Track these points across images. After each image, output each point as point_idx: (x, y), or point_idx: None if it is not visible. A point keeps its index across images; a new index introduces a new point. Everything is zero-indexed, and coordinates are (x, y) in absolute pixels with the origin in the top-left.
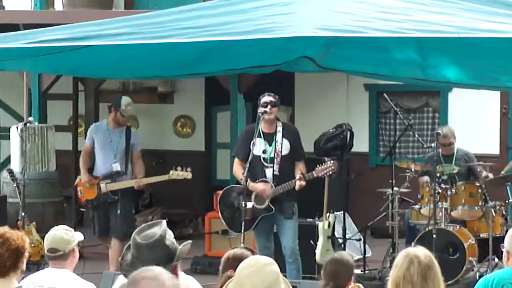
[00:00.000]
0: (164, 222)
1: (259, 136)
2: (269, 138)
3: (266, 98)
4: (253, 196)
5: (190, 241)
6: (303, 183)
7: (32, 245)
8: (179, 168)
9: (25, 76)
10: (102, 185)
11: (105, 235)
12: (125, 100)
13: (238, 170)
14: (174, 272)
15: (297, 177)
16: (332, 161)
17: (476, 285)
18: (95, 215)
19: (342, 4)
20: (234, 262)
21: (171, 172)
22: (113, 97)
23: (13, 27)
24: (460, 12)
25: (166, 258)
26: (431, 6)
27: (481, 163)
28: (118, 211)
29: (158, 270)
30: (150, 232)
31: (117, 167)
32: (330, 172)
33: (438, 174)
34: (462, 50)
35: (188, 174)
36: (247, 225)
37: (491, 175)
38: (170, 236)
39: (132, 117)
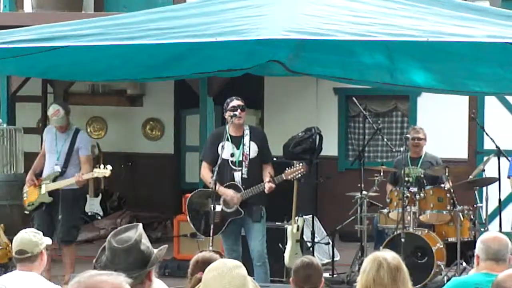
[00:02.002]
0: (140, 225)
1: (227, 139)
2: (237, 141)
3: (235, 102)
4: (221, 200)
5: (165, 245)
6: (273, 185)
7: (0, 248)
8: (101, 166)
9: None
10: (42, 186)
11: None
12: (50, 110)
13: (206, 174)
14: (148, 277)
15: (266, 180)
16: (301, 164)
17: (446, 284)
18: (36, 217)
19: (312, 7)
20: (203, 265)
21: (94, 170)
22: (81, 99)
23: None
24: (429, 17)
25: (141, 263)
26: (400, 10)
27: (445, 165)
28: (60, 216)
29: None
30: (125, 236)
31: (57, 168)
32: (300, 175)
33: (406, 178)
34: (431, 55)
35: (106, 172)
36: (216, 228)
37: (448, 185)
38: (145, 240)
39: (101, 119)
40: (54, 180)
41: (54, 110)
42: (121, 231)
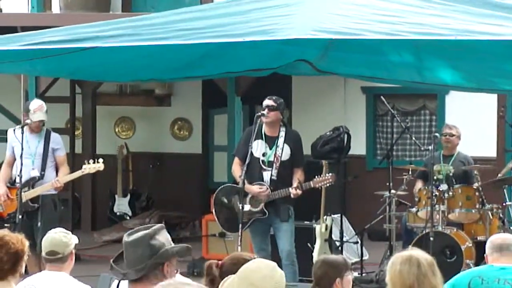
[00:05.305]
0: (161, 225)
1: (261, 138)
2: (271, 141)
3: (266, 101)
4: (248, 198)
5: (187, 245)
6: (299, 192)
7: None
8: (91, 161)
9: (22, 78)
10: (22, 194)
11: (33, 249)
12: (34, 104)
13: (237, 170)
14: (162, 271)
15: (294, 185)
16: (330, 174)
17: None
18: (21, 228)
19: (339, 7)
20: (228, 258)
21: (83, 166)
22: (109, 99)
23: (11, 30)
24: (457, 15)
25: (149, 257)
26: (427, 8)
27: (477, 165)
28: (39, 223)
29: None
30: (139, 231)
31: (35, 173)
32: (328, 185)
33: (435, 176)
34: (459, 53)
35: (100, 166)
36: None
37: (477, 183)
38: (162, 237)
39: (129, 119)
40: (32, 186)
41: (38, 104)
42: (140, 229)
